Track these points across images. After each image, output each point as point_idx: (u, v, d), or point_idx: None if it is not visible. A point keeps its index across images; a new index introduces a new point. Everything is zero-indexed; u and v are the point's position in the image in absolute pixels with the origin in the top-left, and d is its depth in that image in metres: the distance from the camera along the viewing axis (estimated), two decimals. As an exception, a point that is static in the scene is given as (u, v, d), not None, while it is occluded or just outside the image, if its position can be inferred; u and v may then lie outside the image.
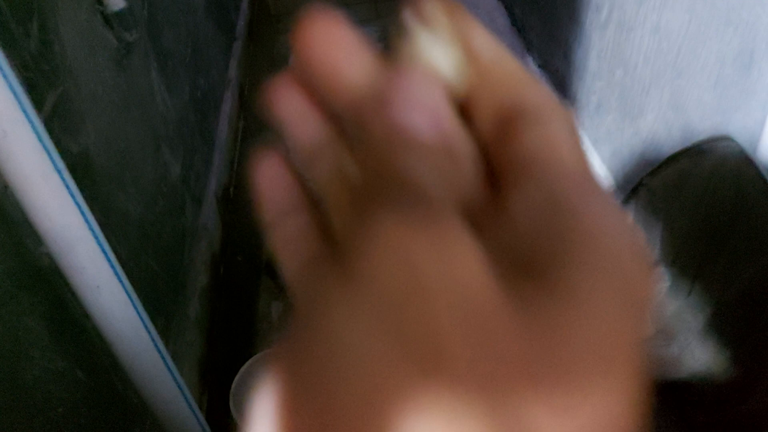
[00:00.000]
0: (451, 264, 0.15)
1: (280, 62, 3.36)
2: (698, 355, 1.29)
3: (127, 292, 0.81)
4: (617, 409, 0.15)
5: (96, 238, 0.76)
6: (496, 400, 0.14)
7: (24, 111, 0.67)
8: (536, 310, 0.16)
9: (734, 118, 1.24)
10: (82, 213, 0.74)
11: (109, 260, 0.78)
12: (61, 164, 0.72)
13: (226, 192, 2.27)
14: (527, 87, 0.20)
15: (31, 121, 0.68)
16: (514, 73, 0.20)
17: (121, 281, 0.80)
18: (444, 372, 0.14)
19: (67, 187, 0.72)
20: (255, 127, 2.83)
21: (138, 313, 0.83)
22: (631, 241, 0.18)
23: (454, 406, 0.14)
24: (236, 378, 1.28)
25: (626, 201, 1.56)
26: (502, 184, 0.18)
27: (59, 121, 1.15)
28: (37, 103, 1.10)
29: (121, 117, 1.45)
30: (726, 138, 1.18)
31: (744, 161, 1.13)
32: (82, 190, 1.20)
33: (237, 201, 2.36)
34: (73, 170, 1.17)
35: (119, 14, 1.40)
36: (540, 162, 0.18)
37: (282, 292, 2.12)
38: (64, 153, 1.15)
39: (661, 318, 1.38)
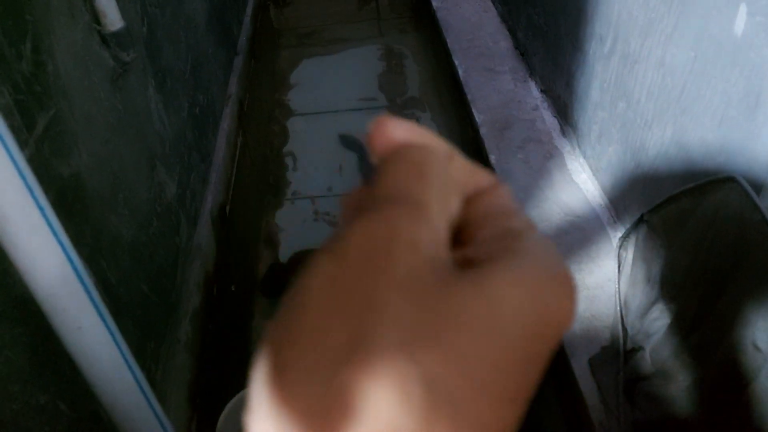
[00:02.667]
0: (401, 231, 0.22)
1: (281, 77, 3.35)
2: (697, 397, 1.26)
3: (110, 332, 0.78)
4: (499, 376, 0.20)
5: (79, 276, 0.74)
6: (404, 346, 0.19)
7: (6, 147, 0.64)
8: (471, 274, 0.21)
9: (738, 160, 1.21)
10: (65, 252, 0.72)
11: (92, 300, 0.75)
12: (45, 201, 0.70)
13: (222, 210, 2.25)
14: (477, 174, 0.29)
15: (13, 159, 0.65)
16: (467, 168, 0.29)
17: (104, 321, 0.77)
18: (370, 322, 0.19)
19: (50, 225, 0.69)
20: (253, 144, 2.81)
21: (122, 354, 0.80)
22: (552, 250, 0.24)
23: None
24: (222, 414, 1.25)
25: (626, 236, 1.54)
26: (468, 228, 0.26)
27: (50, 143, 1.13)
28: (28, 126, 1.08)
29: (116, 137, 1.43)
30: (729, 179, 1.16)
31: (747, 205, 1.11)
32: (72, 214, 1.18)
33: (233, 219, 2.33)
34: (63, 194, 1.15)
35: (117, 34, 1.38)
36: (495, 210, 0.26)
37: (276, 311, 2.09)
38: (54, 177, 1.13)
39: (660, 358, 1.36)
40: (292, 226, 2.41)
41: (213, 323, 1.90)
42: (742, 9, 1.12)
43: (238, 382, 1.78)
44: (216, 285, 2.03)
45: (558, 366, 1.61)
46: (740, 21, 1.14)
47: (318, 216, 2.44)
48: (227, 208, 2.35)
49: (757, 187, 1.15)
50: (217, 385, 1.76)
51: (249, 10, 3.51)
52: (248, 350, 1.91)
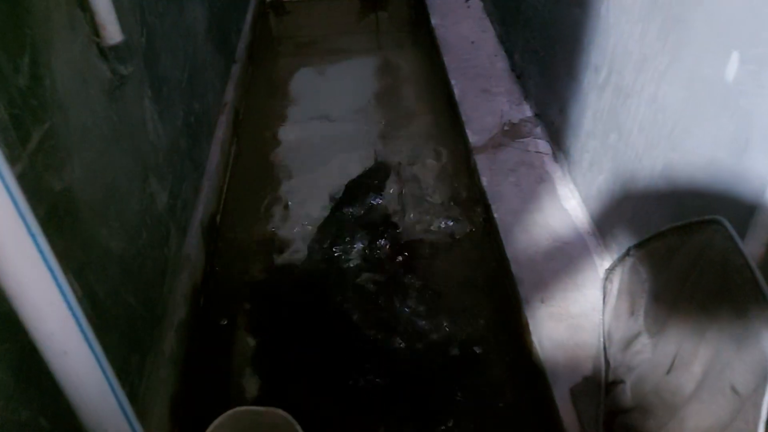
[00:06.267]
0: None
1: (277, 85, 3.35)
2: (675, 432, 1.28)
3: (96, 357, 0.78)
4: None
5: (67, 301, 0.74)
6: None
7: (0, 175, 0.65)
8: None
9: (725, 200, 1.23)
10: (54, 277, 0.72)
11: (79, 324, 0.76)
12: (36, 228, 0.70)
13: (212, 220, 2.25)
14: None
15: (6, 185, 0.66)
16: None
17: (90, 346, 0.78)
18: None
19: (41, 251, 0.70)
20: (247, 152, 2.82)
21: (107, 378, 0.81)
22: None
23: None
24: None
25: (612, 268, 1.55)
26: None
27: (44, 157, 1.13)
28: (22, 140, 1.08)
29: (110, 149, 1.43)
30: (715, 221, 1.17)
31: (731, 248, 1.12)
32: (62, 229, 1.18)
33: (224, 229, 2.33)
34: (54, 209, 1.15)
35: (116, 48, 1.38)
36: None
37: (262, 325, 2.09)
38: (46, 191, 1.13)
39: (640, 392, 1.37)
40: (284, 237, 2.41)
41: (198, 335, 1.90)
42: (735, 56, 1.14)
43: (222, 396, 1.78)
44: (203, 296, 2.03)
45: (539, 394, 1.62)
46: (732, 67, 1.16)
47: (310, 225, 2.44)
48: (218, 217, 2.35)
49: (743, 228, 1.16)
50: (200, 399, 1.75)
51: (248, 18, 3.51)
52: (233, 363, 1.90)
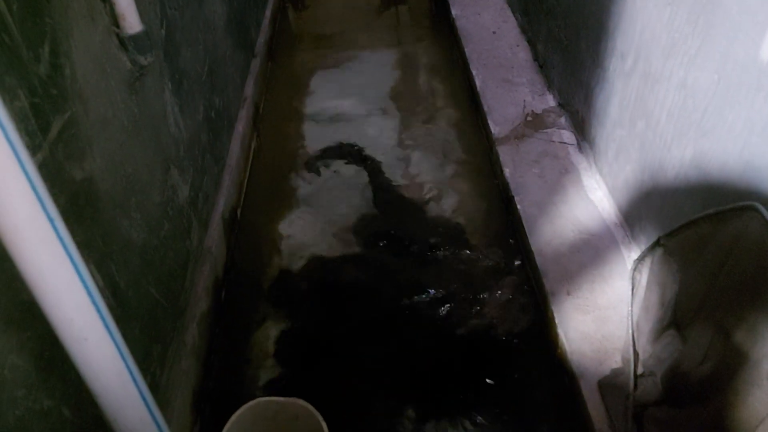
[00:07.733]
0: None
1: (297, 80, 3.35)
2: (707, 427, 1.24)
3: (116, 344, 0.77)
4: None
5: (86, 287, 0.73)
6: None
7: (19, 159, 0.64)
8: None
9: (760, 188, 1.19)
10: (73, 261, 0.71)
11: (98, 310, 0.75)
12: (55, 213, 0.69)
13: (233, 213, 2.24)
14: None
15: (25, 170, 0.64)
16: None
17: (110, 333, 0.76)
18: None
19: (59, 236, 0.69)
20: (267, 147, 2.81)
21: (127, 366, 0.79)
22: None
23: None
24: (228, 423, 1.24)
25: (641, 258, 1.51)
26: None
27: (64, 146, 1.13)
28: (43, 129, 1.08)
29: (131, 140, 1.43)
30: (750, 207, 1.13)
31: (768, 235, 1.08)
32: (83, 218, 1.18)
33: (244, 222, 2.33)
34: (75, 198, 1.15)
35: (135, 37, 1.38)
36: None
37: (283, 317, 2.08)
38: (66, 181, 1.12)
39: (671, 384, 1.33)
40: (304, 232, 2.40)
41: (220, 328, 1.89)
42: (770, 35, 1.10)
43: (242, 389, 1.78)
44: (224, 289, 2.02)
45: (565, 387, 1.59)
46: (767, 47, 1.12)
47: (331, 223, 2.43)
48: (238, 211, 2.34)
49: (779, 216, 1.12)
50: (222, 391, 1.75)
51: (268, 12, 3.51)
52: (254, 355, 1.90)
